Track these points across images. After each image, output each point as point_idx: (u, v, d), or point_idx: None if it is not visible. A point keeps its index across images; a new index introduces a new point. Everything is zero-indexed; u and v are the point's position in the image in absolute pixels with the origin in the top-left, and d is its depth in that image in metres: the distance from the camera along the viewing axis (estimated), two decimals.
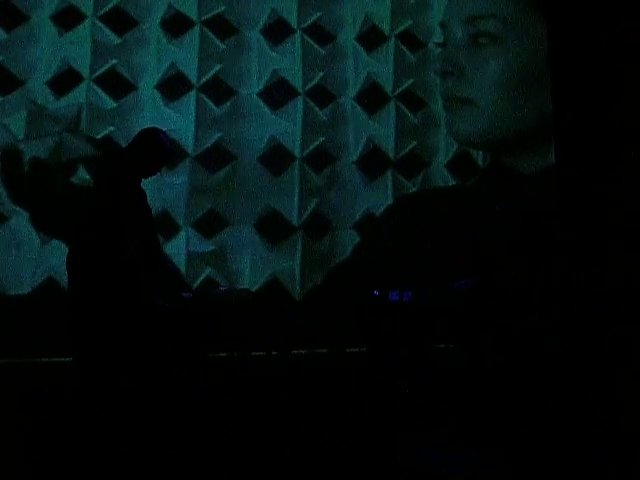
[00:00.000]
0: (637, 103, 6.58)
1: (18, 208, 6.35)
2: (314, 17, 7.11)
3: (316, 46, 7.11)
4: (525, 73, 7.40)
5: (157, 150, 4.98)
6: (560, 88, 6.99)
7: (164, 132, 5.15)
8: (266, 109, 6.96)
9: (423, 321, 5.79)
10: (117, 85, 6.65)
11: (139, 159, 4.94)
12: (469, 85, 7.38)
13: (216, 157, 6.81)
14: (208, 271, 6.70)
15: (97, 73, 6.61)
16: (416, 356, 5.76)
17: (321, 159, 7.05)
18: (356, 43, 7.21)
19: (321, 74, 7.11)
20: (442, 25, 7.39)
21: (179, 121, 6.76)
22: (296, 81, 7.05)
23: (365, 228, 7.09)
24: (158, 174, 5.36)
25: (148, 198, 5.11)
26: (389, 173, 7.19)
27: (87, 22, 6.62)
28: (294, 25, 7.08)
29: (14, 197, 6.36)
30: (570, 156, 7.15)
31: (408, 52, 7.31)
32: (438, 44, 7.37)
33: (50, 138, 6.47)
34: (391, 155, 7.21)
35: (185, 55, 6.83)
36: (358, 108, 7.16)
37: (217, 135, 6.82)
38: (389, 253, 7.10)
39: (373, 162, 7.17)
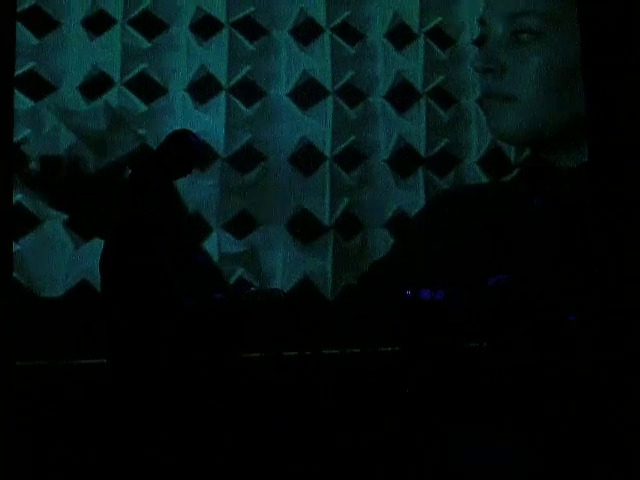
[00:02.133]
0: None
1: (52, 211, 6.42)
2: (343, 16, 7.09)
3: (345, 45, 7.10)
4: (566, 69, 7.33)
5: (187, 151, 5.04)
6: (592, 86, 6.94)
7: (193, 133, 5.20)
8: (296, 109, 6.96)
9: (456, 320, 5.76)
10: (147, 88, 6.69)
11: (170, 161, 4.99)
12: (511, 82, 7.32)
13: (247, 158, 6.82)
14: (240, 272, 6.72)
15: (128, 77, 6.65)
16: (449, 355, 5.73)
17: (352, 158, 7.02)
18: (385, 41, 7.18)
19: (351, 73, 7.09)
20: (481, 22, 7.33)
21: (209, 123, 6.78)
22: (326, 81, 7.03)
23: (399, 227, 7.06)
24: (189, 175, 5.43)
25: (181, 200, 5.17)
26: (420, 171, 7.16)
27: (117, 27, 6.66)
28: (323, 25, 7.06)
29: (51, 201, 6.43)
30: (603, 155, 7.09)
31: (437, 49, 7.26)
32: (474, 42, 7.32)
33: (86, 142, 6.54)
34: (422, 153, 7.17)
35: (214, 57, 6.85)
36: (388, 106, 7.13)
37: (247, 136, 6.83)
38: (423, 252, 7.06)
39: (404, 160, 7.13)
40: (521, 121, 7.35)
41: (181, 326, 4.93)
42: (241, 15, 6.92)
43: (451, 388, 5.31)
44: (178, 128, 5.52)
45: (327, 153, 6.98)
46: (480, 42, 7.33)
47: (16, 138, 6.35)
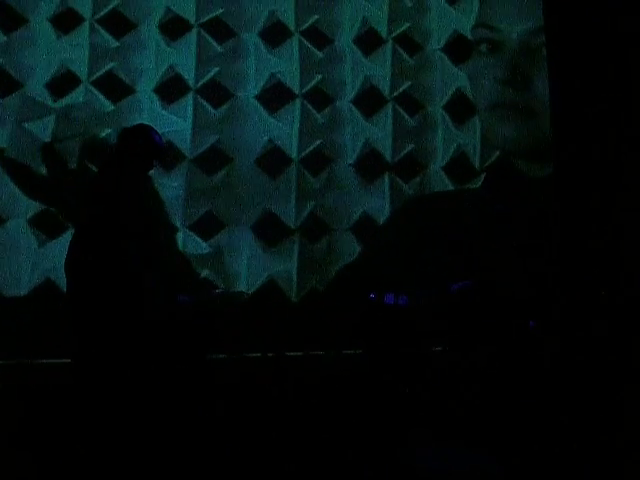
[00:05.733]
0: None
1: (16, 210, 6.38)
2: (312, 20, 7.12)
3: (314, 49, 7.13)
4: None
5: (145, 143, 4.98)
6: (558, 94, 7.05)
7: (150, 126, 5.18)
8: (263, 112, 6.98)
9: (419, 324, 5.81)
10: (115, 88, 6.67)
11: (130, 156, 4.94)
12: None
13: (213, 159, 6.82)
14: (205, 273, 6.72)
15: (95, 76, 6.63)
16: (412, 359, 5.77)
17: (318, 162, 7.05)
18: (354, 46, 7.22)
19: (319, 77, 7.12)
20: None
21: (176, 123, 6.77)
22: (294, 84, 7.06)
23: (363, 231, 7.10)
24: (153, 173, 5.41)
25: (145, 200, 5.15)
26: (386, 176, 7.20)
27: (85, 25, 6.64)
28: (292, 28, 7.09)
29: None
30: (568, 161, 7.20)
31: (406, 55, 7.32)
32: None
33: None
34: (388, 158, 7.22)
35: (183, 58, 6.84)
36: (355, 111, 7.18)
37: (214, 137, 6.83)
38: (386, 256, 7.11)
39: (370, 165, 7.17)
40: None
41: (148, 328, 4.93)
42: (210, 16, 6.92)
43: (412, 392, 5.35)
44: (137, 123, 5.50)
45: (293, 156, 7.01)
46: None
47: None
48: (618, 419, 4.74)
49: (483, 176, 7.38)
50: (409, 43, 7.34)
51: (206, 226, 6.75)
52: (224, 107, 6.90)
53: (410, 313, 5.87)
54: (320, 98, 7.11)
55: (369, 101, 7.22)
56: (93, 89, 6.62)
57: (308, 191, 7.02)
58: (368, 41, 7.24)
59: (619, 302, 6.57)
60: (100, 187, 4.89)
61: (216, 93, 6.89)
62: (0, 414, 4.85)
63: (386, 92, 7.26)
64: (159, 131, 5.34)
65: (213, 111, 6.88)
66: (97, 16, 6.67)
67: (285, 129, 7.03)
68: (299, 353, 6.52)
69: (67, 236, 5.42)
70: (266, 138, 6.96)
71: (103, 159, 5.02)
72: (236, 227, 6.82)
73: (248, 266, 6.82)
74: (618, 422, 4.68)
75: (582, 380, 5.45)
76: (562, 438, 4.48)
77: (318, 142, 7.06)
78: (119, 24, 6.72)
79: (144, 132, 5.04)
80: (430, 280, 6.83)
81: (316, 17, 7.13)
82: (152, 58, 6.78)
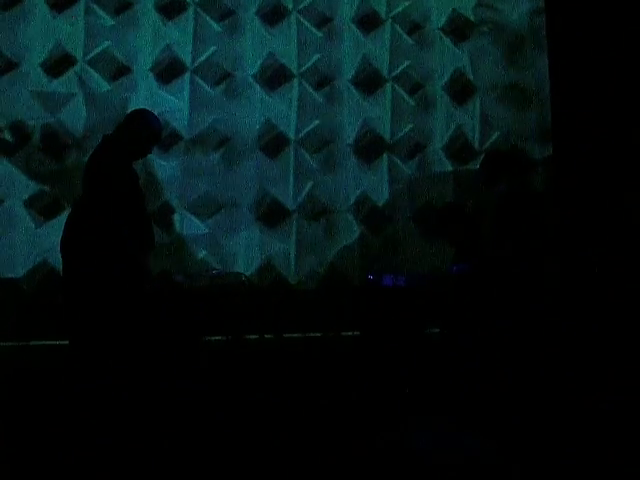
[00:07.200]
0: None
1: (12, 191, 6.34)
2: None
3: (312, 28, 7.06)
4: None
5: (147, 131, 4.99)
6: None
7: (152, 112, 5.16)
8: (261, 91, 6.93)
9: (417, 306, 5.78)
10: (111, 67, 6.61)
11: (129, 141, 4.94)
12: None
13: (210, 139, 6.78)
14: (202, 254, 6.69)
15: (91, 55, 6.57)
16: (410, 340, 5.75)
17: (316, 142, 7.01)
18: (352, 25, 7.16)
19: (317, 56, 7.06)
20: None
21: (173, 103, 6.72)
22: (291, 63, 7.00)
23: (362, 212, 7.07)
24: (150, 156, 5.40)
25: (141, 181, 5.12)
26: (385, 156, 7.16)
27: (81, 4, 6.58)
28: (289, 6, 7.02)
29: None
30: (567, 142, 7.19)
31: (404, 34, 7.25)
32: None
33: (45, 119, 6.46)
34: (387, 138, 7.18)
35: (180, 37, 6.79)
36: (354, 90, 7.12)
37: (211, 117, 6.78)
38: (387, 237, 7.10)
39: (369, 145, 7.13)
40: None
41: (144, 309, 4.92)
42: None
43: (411, 373, 5.34)
44: (140, 108, 5.49)
45: (291, 136, 6.96)
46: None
47: None
48: (615, 399, 4.74)
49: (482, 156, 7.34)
50: (408, 22, 7.27)
51: (203, 207, 6.72)
52: (221, 87, 6.86)
53: (408, 295, 5.84)
54: (318, 78, 7.06)
55: (368, 81, 7.17)
56: (88, 68, 6.55)
57: (306, 171, 6.98)
58: (367, 20, 7.18)
59: (618, 280, 6.58)
60: (97, 168, 4.87)
61: (213, 72, 6.84)
62: None
63: (385, 72, 7.20)
64: (155, 111, 5.33)
65: (210, 91, 6.82)
66: None
67: (283, 109, 6.98)
68: (297, 335, 6.51)
69: (63, 217, 5.38)
70: (264, 118, 6.91)
71: (102, 140, 4.98)
72: (233, 208, 6.78)
73: (245, 247, 6.79)
74: (615, 403, 4.68)
75: (579, 361, 5.45)
76: (558, 419, 4.48)
77: (316, 122, 7.01)
78: (115, 2, 6.65)
79: (146, 119, 5.03)
80: (429, 262, 6.82)
81: None
82: (148, 37, 6.72)
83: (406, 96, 7.25)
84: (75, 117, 6.51)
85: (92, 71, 6.56)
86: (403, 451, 4.04)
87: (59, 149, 6.47)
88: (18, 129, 6.40)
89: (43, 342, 5.97)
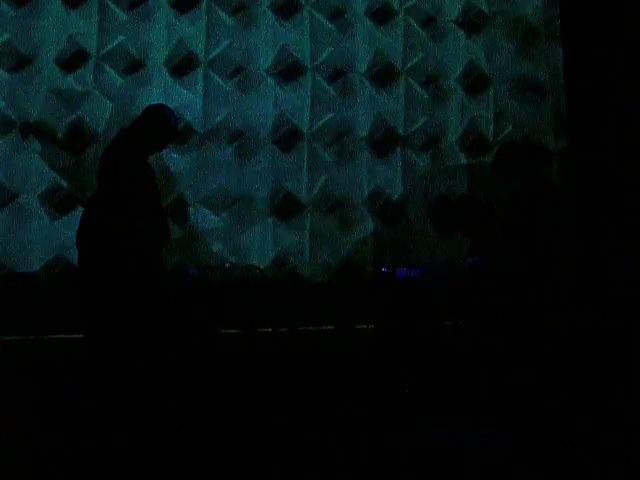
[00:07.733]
0: None
1: (27, 185, 6.37)
2: None
3: (325, 21, 7.06)
4: None
5: (163, 126, 5.01)
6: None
7: (169, 108, 5.18)
8: (275, 85, 6.93)
9: (431, 298, 5.78)
10: (125, 62, 6.63)
11: (145, 136, 4.96)
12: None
13: (224, 133, 6.79)
14: (217, 247, 6.70)
15: (105, 50, 6.59)
16: (424, 332, 5.76)
17: (330, 135, 7.01)
18: (365, 18, 7.15)
19: (330, 49, 7.06)
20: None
21: (187, 97, 6.74)
22: (305, 57, 7.00)
23: (376, 205, 7.07)
24: (165, 150, 5.41)
25: (157, 175, 5.14)
26: (398, 149, 7.16)
27: None
28: (302, 0, 7.02)
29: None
30: (582, 134, 7.16)
31: (418, 26, 7.24)
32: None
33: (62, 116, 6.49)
34: (401, 131, 7.17)
35: (193, 31, 6.79)
36: (367, 83, 7.12)
37: (225, 111, 6.79)
38: (401, 230, 7.09)
39: (382, 138, 7.13)
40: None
41: (158, 301, 4.93)
42: None
43: (425, 367, 5.34)
44: (155, 102, 5.50)
45: (305, 129, 6.96)
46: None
47: None
48: (627, 393, 4.73)
49: (496, 149, 7.31)
50: (422, 14, 7.26)
51: (217, 200, 6.73)
52: (235, 80, 6.86)
53: (423, 287, 5.84)
54: (332, 71, 7.05)
55: (381, 74, 7.16)
56: (103, 63, 6.57)
57: (320, 165, 6.98)
58: (380, 13, 7.17)
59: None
60: (112, 162, 4.90)
61: (227, 66, 6.84)
62: (13, 389, 4.87)
63: (398, 64, 7.19)
64: (170, 105, 5.33)
65: (224, 85, 6.83)
66: None
67: (296, 102, 6.98)
68: (311, 328, 6.51)
69: (78, 212, 5.41)
70: (277, 112, 6.92)
71: (119, 133, 5.01)
72: (247, 201, 6.79)
73: (260, 241, 6.80)
74: (627, 395, 4.67)
75: (592, 354, 5.43)
76: (574, 412, 4.47)
77: (330, 115, 7.01)
78: None
79: (163, 115, 5.04)
80: (443, 254, 6.81)
81: None
82: (162, 32, 6.73)
83: (420, 89, 7.24)
84: (92, 113, 6.53)
85: (106, 66, 6.58)
86: (421, 452, 4.01)
87: (77, 145, 6.49)
88: (34, 125, 6.42)
89: (59, 336, 5.99)
